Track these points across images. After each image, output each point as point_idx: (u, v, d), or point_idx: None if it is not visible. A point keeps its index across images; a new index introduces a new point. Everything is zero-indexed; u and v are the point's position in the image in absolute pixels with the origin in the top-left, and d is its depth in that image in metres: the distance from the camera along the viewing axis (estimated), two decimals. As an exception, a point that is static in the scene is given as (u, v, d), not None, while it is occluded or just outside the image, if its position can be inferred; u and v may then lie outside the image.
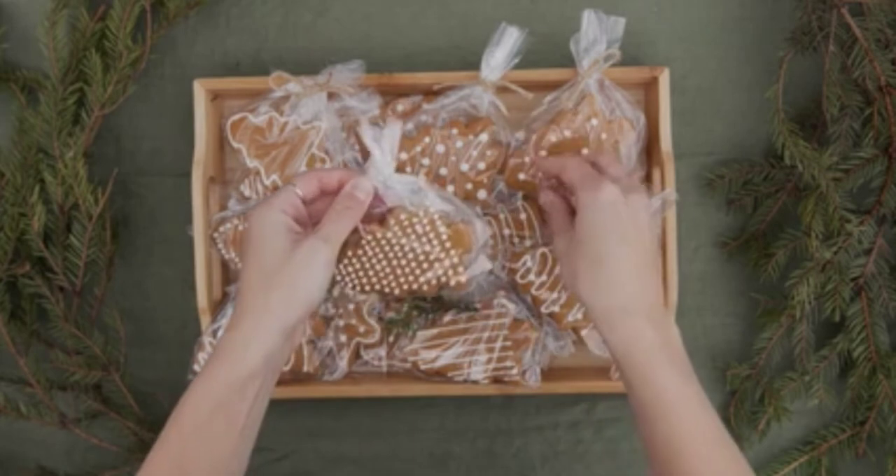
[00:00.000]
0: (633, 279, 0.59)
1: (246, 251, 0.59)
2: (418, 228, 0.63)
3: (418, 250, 0.64)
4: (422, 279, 0.65)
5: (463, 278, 0.65)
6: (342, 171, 0.62)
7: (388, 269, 0.64)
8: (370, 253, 0.64)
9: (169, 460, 0.55)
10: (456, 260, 0.64)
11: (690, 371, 0.58)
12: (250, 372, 0.56)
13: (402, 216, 0.63)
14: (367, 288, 0.66)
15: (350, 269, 0.65)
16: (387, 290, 0.65)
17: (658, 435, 0.56)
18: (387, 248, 0.64)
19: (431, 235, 0.63)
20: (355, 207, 0.61)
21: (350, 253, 0.64)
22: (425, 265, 0.64)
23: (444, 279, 0.65)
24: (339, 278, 0.66)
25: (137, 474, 0.55)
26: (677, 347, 0.59)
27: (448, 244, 0.63)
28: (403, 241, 0.63)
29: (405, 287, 0.65)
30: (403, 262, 0.64)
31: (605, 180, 0.60)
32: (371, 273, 0.65)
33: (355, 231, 0.63)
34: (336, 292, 0.74)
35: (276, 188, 0.72)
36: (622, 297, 0.59)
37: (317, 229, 0.59)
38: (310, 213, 0.62)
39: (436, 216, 0.63)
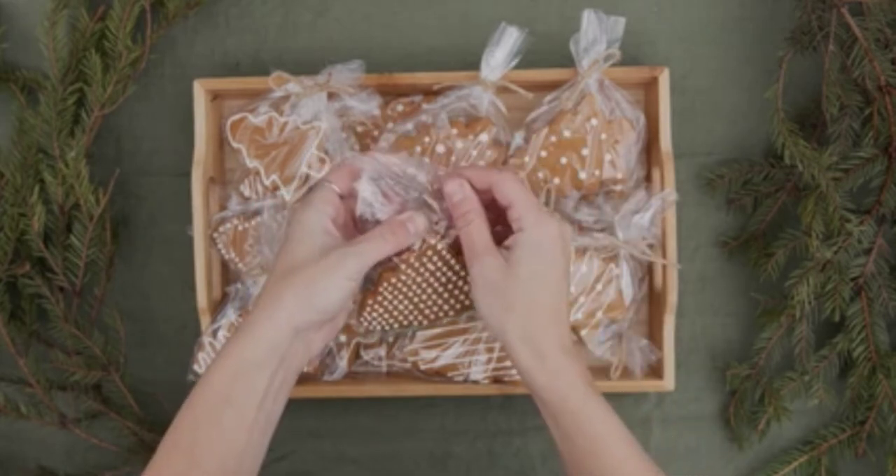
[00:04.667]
0: (565, 318, 0.59)
1: (281, 246, 0.59)
2: (430, 266, 0.64)
3: (435, 284, 0.64)
4: (446, 307, 0.66)
5: None
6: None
7: (410, 307, 0.65)
8: (389, 297, 0.65)
9: (180, 445, 0.55)
10: None
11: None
12: (256, 361, 0.56)
13: (412, 259, 0.63)
14: (396, 326, 0.67)
15: (374, 314, 0.66)
16: (415, 323, 0.67)
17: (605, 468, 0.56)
18: (405, 290, 0.64)
19: (444, 269, 0.64)
20: (402, 237, 0.60)
21: (370, 301, 0.65)
22: (446, 295, 0.65)
23: (467, 303, 0.66)
24: (365, 324, 0.67)
25: (152, 459, 0.55)
26: (591, 376, 0.59)
27: (462, 272, 0.64)
28: (419, 280, 0.64)
29: (431, 317, 0.66)
30: (424, 296, 0.65)
31: (549, 217, 0.59)
32: (395, 313, 0.66)
33: (378, 269, 0.64)
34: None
35: (275, 188, 0.72)
36: (561, 337, 0.58)
37: (354, 241, 0.59)
38: (351, 208, 0.62)
39: (443, 250, 0.63)
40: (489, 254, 0.58)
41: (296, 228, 0.59)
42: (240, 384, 0.56)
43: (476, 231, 0.59)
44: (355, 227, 0.63)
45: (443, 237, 0.63)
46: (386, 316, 0.66)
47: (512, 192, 0.59)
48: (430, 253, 0.63)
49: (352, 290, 0.58)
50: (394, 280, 0.64)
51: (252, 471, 0.58)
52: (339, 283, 0.57)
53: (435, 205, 0.62)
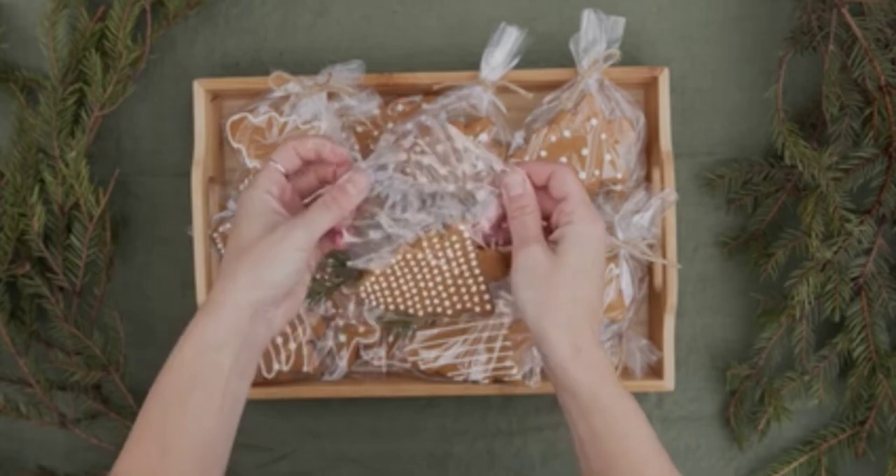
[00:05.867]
0: (600, 313, 0.60)
1: (230, 230, 0.60)
2: (449, 252, 0.63)
3: (447, 274, 0.64)
4: (447, 303, 0.65)
5: (488, 307, 0.65)
6: (316, 138, 0.61)
7: (414, 290, 0.65)
8: (398, 273, 0.64)
9: (151, 430, 0.55)
10: (483, 287, 0.64)
11: None
12: (217, 343, 0.56)
13: (435, 239, 0.63)
14: (392, 307, 0.66)
15: (376, 287, 0.65)
16: (410, 310, 0.66)
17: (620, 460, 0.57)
18: (416, 270, 0.64)
19: (462, 260, 0.64)
20: (343, 201, 0.60)
21: (378, 271, 0.64)
22: (452, 290, 0.65)
23: (468, 305, 0.65)
24: (363, 296, 0.66)
25: (125, 447, 0.55)
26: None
27: (477, 271, 0.64)
28: (434, 262, 0.64)
29: (429, 310, 0.66)
30: (431, 284, 0.64)
31: (597, 214, 0.60)
32: (397, 293, 0.65)
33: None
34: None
35: None
36: (595, 332, 0.58)
37: (300, 214, 0.59)
38: (298, 187, 0.62)
39: (468, 242, 0.63)
40: (539, 242, 0.59)
41: (242, 209, 0.59)
42: (205, 365, 0.56)
43: (531, 220, 0.60)
44: (302, 202, 0.63)
45: (473, 225, 0.63)
46: (387, 293, 0.65)
47: (569, 184, 0.60)
48: (454, 237, 0.62)
49: (304, 261, 0.58)
50: (409, 256, 0.63)
51: (222, 460, 0.58)
52: (289, 255, 0.57)
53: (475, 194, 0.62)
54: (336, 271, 0.72)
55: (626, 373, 0.74)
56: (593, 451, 0.57)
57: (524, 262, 0.59)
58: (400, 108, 0.74)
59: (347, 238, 0.62)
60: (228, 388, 0.56)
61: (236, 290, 0.57)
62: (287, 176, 0.61)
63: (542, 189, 0.61)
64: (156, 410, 0.56)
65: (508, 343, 0.72)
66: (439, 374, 0.73)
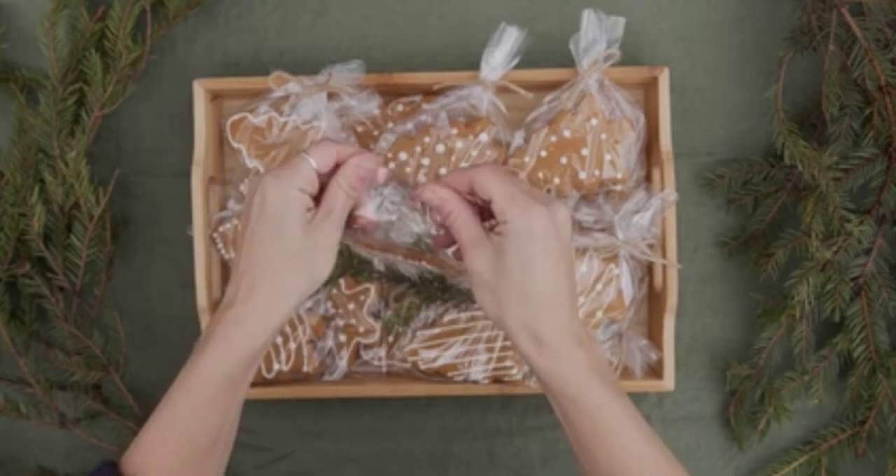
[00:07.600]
0: (566, 303, 0.57)
1: (261, 226, 0.57)
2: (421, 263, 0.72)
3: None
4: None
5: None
6: (356, 149, 0.61)
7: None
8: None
9: (175, 425, 0.56)
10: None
11: (618, 385, 0.58)
12: (263, 346, 0.57)
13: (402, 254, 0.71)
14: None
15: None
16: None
17: (602, 460, 0.56)
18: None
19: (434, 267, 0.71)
20: (360, 190, 0.61)
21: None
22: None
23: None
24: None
25: (139, 437, 0.55)
26: (606, 366, 0.58)
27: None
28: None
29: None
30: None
31: (535, 203, 0.57)
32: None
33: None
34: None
35: None
36: (562, 323, 0.57)
37: (329, 211, 0.59)
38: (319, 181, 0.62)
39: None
40: (477, 245, 0.58)
41: (278, 207, 0.57)
42: (244, 367, 0.57)
43: (462, 225, 0.59)
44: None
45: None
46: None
47: (489, 185, 0.58)
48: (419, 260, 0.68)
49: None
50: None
51: (227, 454, 0.60)
52: (334, 256, 0.59)
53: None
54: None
55: (626, 373, 0.74)
56: (575, 442, 0.57)
57: (470, 268, 0.58)
58: (400, 108, 0.74)
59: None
60: (247, 387, 0.59)
61: (291, 300, 0.58)
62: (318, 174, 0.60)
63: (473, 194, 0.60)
64: (184, 402, 0.56)
65: (508, 343, 0.72)
66: (439, 374, 0.73)
